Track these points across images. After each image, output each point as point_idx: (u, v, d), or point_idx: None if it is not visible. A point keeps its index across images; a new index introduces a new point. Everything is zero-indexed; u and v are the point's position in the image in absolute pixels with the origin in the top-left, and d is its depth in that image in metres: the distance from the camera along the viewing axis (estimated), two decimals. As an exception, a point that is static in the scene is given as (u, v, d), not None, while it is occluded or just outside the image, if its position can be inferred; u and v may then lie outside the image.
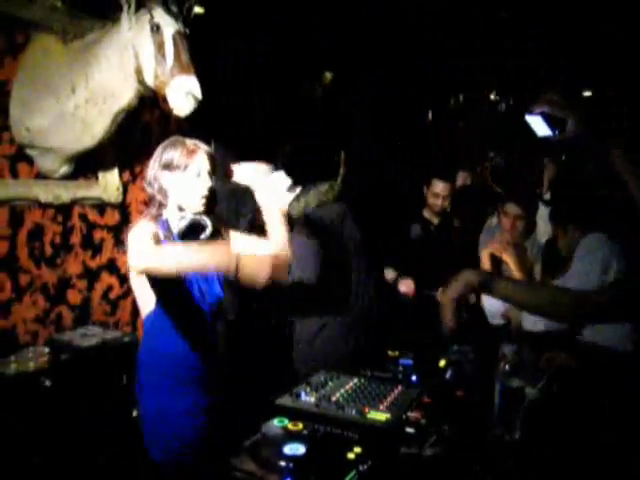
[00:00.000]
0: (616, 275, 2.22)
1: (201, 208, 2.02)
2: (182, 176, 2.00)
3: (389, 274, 3.65)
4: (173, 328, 2.01)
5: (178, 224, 1.96)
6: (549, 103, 1.33)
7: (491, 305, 2.66)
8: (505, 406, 1.49)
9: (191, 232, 1.97)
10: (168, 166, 2.00)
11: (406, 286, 3.52)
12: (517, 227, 3.04)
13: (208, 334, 2.13)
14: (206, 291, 2.08)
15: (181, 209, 2.01)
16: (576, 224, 2.51)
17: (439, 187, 3.60)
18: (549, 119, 1.31)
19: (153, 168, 2.03)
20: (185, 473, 1.97)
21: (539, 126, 1.34)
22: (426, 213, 3.75)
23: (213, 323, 2.13)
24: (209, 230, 2.02)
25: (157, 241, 1.87)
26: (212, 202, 2.04)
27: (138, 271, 1.88)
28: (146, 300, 2.02)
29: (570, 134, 1.31)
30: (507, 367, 1.50)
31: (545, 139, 1.35)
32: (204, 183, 2.02)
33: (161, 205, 2.02)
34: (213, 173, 2.05)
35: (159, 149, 2.06)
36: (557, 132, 1.32)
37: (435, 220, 3.72)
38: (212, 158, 2.05)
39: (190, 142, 2.05)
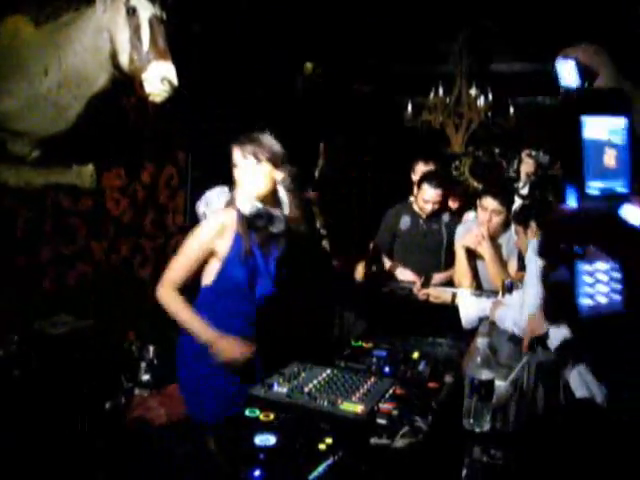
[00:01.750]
0: None
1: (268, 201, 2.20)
2: (255, 168, 2.17)
3: (386, 263, 3.72)
4: (223, 305, 2.23)
5: (248, 212, 2.15)
6: (584, 51, 1.25)
7: (467, 312, 2.67)
8: (475, 398, 1.50)
9: (260, 221, 2.17)
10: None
11: (406, 275, 3.57)
12: (493, 221, 3.07)
13: (251, 320, 2.30)
14: (250, 275, 2.25)
15: (251, 199, 2.18)
16: (538, 225, 2.52)
17: (429, 194, 3.56)
18: (581, 67, 1.25)
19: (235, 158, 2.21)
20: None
21: (569, 73, 1.27)
22: (416, 206, 3.75)
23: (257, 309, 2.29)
24: (280, 225, 2.21)
25: (221, 232, 2.16)
26: (276, 196, 2.23)
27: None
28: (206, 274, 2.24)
29: (599, 87, 1.22)
30: (478, 359, 1.50)
31: (567, 90, 1.27)
32: (276, 176, 2.20)
33: (233, 195, 2.21)
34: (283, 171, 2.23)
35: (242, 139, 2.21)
36: (585, 84, 1.25)
37: (424, 214, 3.71)
38: (275, 158, 2.20)
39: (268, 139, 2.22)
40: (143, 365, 3.13)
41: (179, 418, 2.83)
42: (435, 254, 3.66)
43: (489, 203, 3.08)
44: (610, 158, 0.81)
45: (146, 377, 3.09)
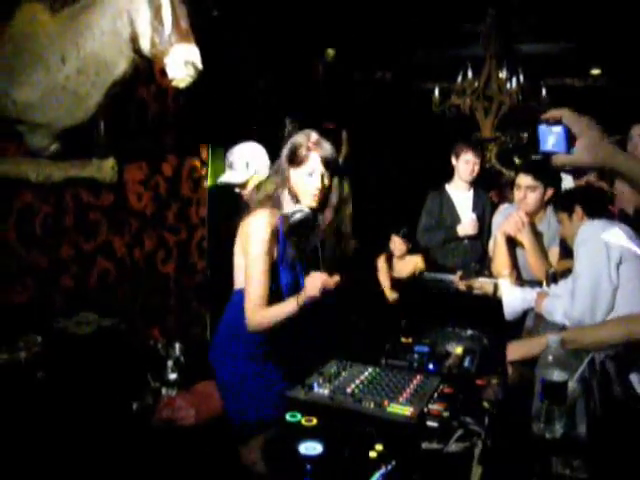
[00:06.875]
0: (617, 253, 2.09)
1: (311, 204, 2.09)
2: (297, 171, 2.08)
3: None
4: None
5: (292, 216, 2.04)
6: (569, 116, 1.13)
7: (511, 303, 2.52)
8: (546, 401, 1.36)
9: (301, 226, 2.06)
10: (290, 159, 2.09)
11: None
12: (529, 198, 2.91)
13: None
14: (294, 280, 2.15)
15: (297, 201, 2.10)
16: (583, 208, 2.38)
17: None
18: (567, 134, 1.13)
19: (280, 157, 2.14)
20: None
21: (554, 139, 1.15)
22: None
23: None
24: (318, 231, 2.11)
25: (275, 235, 2.05)
26: (322, 200, 2.10)
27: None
28: (240, 273, 2.11)
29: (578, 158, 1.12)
30: (550, 359, 1.36)
31: (546, 154, 1.16)
32: (314, 183, 2.07)
33: (279, 195, 2.12)
34: (328, 173, 2.10)
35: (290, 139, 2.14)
36: (569, 150, 1.13)
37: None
38: (326, 160, 2.07)
39: (314, 138, 2.09)
40: (169, 363, 3.03)
41: (209, 418, 2.73)
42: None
43: (522, 180, 2.93)
44: None
45: (173, 376, 3.00)
